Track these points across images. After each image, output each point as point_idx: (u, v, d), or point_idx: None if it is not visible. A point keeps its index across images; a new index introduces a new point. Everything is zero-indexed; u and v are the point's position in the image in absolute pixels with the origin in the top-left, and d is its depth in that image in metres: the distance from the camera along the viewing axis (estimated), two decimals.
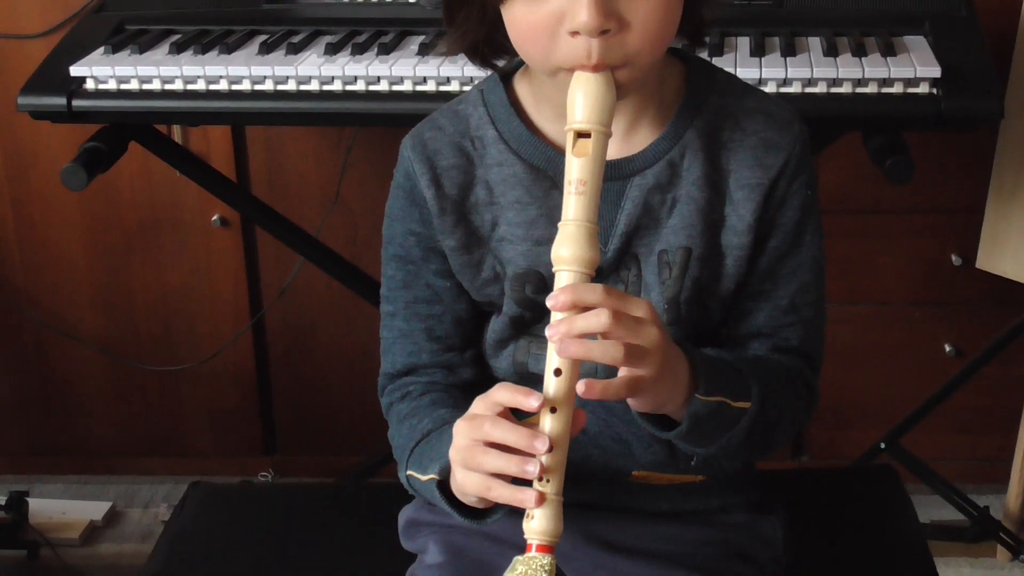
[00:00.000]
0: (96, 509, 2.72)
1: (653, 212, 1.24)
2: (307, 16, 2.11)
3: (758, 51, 1.88)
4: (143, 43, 1.99)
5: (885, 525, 1.61)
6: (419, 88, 1.89)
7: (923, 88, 1.81)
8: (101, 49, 1.99)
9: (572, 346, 1.05)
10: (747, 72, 1.80)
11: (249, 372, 2.74)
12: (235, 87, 1.92)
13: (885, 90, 1.82)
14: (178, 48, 1.97)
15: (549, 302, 1.07)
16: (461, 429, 1.11)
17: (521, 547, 1.09)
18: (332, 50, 1.94)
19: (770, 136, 1.24)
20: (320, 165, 2.56)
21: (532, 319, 1.29)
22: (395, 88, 1.89)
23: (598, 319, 1.05)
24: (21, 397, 2.80)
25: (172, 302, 2.69)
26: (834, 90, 1.83)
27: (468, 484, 1.11)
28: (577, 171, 1.09)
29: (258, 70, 1.91)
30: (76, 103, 1.93)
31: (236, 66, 1.91)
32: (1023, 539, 2.44)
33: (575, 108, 1.11)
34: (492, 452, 1.07)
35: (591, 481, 1.32)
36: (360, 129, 2.48)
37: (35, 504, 2.61)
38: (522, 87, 1.28)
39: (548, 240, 1.11)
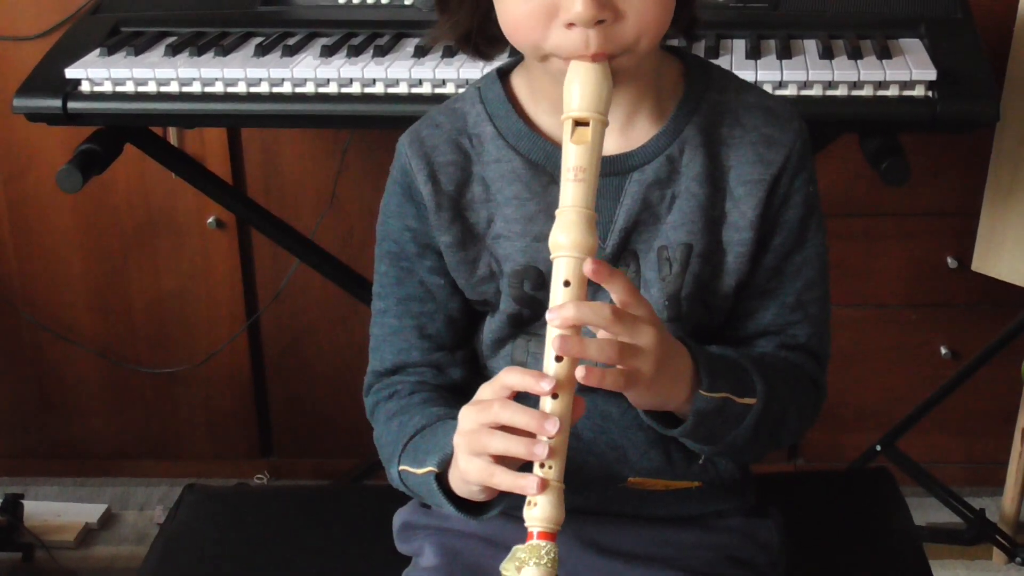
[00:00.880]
0: (91, 511, 2.71)
1: (652, 208, 1.24)
2: (303, 18, 2.11)
3: (754, 53, 1.88)
4: (139, 45, 1.99)
5: (881, 528, 1.61)
6: (415, 90, 1.89)
7: (919, 91, 1.81)
8: (97, 51, 1.98)
9: (570, 343, 1.05)
10: (743, 74, 1.76)
11: (245, 374, 2.74)
12: (231, 89, 1.92)
13: (881, 93, 1.82)
14: (174, 50, 1.97)
15: (553, 302, 1.07)
16: (468, 414, 1.10)
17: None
18: (328, 52, 1.94)
19: (770, 132, 1.24)
20: (316, 167, 2.56)
21: (530, 316, 1.28)
22: (391, 90, 1.89)
23: (600, 314, 1.05)
24: (16, 399, 2.80)
25: (168, 304, 2.69)
26: (830, 93, 1.83)
27: (471, 471, 1.10)
28: (575, 158, 1.09)
29: (254, 72, 1.90)
30: (71, 105, 1.92)
31: (232, 68, 1.91)
32: (1019, 542, 2.44)
33: (572, 96, 1.10)
34: (499, 435, 1.07)
35: (587, 487, 1.31)
36: (356, 131, 2.48)
37: (30, 506, 2.61)
38: (519, 83, 1.28)
39: (547, 236, 1.10)
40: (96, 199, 2.58)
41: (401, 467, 1.26)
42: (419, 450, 1.23)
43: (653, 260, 1.25)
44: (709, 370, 1.16)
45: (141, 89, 1.93)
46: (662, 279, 1.25)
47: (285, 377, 2.76)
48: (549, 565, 1.05)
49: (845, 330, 2.56)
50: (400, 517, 1.43)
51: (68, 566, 2.57)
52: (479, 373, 1.35)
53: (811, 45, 1.91)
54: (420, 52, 1.92)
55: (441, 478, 1.18)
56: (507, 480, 1.07)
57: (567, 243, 1.07)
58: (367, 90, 1.90)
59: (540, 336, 1.21)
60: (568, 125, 1.10)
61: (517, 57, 1.28)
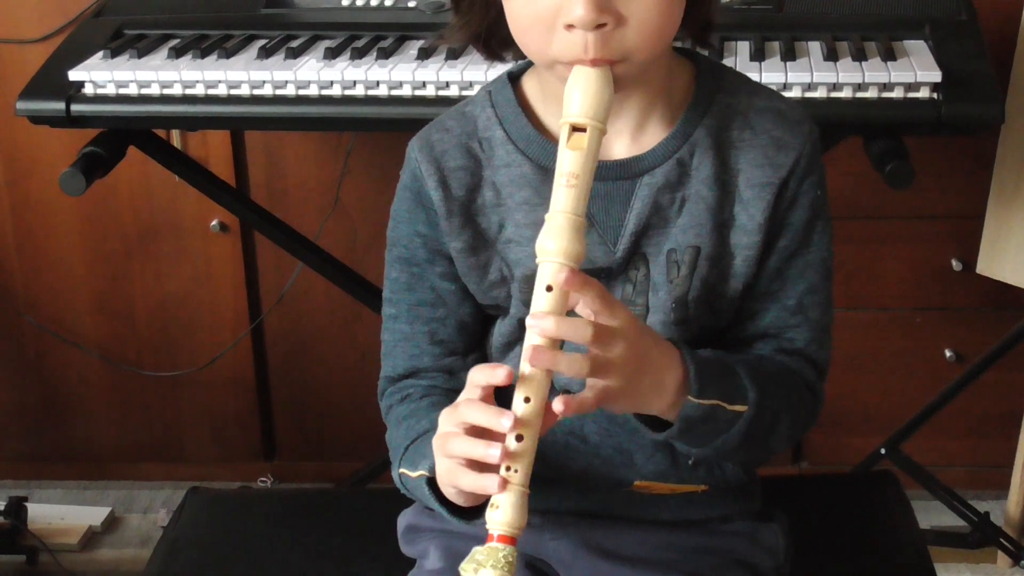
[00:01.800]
0: (95, 515, 2.71)
1: (662, 211, 1.24)
2: (306, 21, 2.11)
3: (758, 55, 1.88)
4: (142, 48, 1.99)
5: (886, 531, 1.61)
6: (418, 93, 1.89)
7: (924, 93, 1.81)
8: (100, 54, 1.98)
9: (542, 355, 1.05)
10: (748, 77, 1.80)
11: (248, 377, 2.74)
12: (234, 92, 1.92)
13: (885, 95, 1.82)
14: (177, 53, 1.97)
15: (536, 304, 1.07)
16: (443, 416, 1.11)
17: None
18: (331, 55, 1.93)
19: (780, 135, 1.24)
20: (319, 170, 2.56)
21: None
22: (394, 93, 1.89)
23: (582, 332, 1.05)
24: (20, 402, 2.80)
25: (171, 307, 2.68)
26: (834, 95, 1.83)
27: (441, 471, 1.11)
28: (569, 164, 1.09)
29: (257, 75, 1.90)
30: (75, 108, 1.92)
31: (235, 71, 1.91)
32: None
33: (571, 102, 1.10)
34: (463, 437, 1.07)
35: (593, 491, 1.31)
36: (359, 134, 2.48)
37: (34, 509, 2.61)
38: (530, 87, 1.28)
39: None
40: (99, 202, 2.58)
41: (401, 470, 1.26)
42: (416, 453, 1.24)
43: (662, 263, 1.24)
44: (701, 376, 1.16)
45: (144, 92, 1.93)
46: (670, 282, 1.24)
47: (289, 380, 2.76)
48: (506, 569, 1.05)
49: (849, 333, 2.56)
50: (404, 519, 1.43)
51: (72, 569, 2.57)
52: None
53: (815, 47, 1.91)
54: (424, 54, 1.92)
55: (434, 483, 1.18)
56: (468, 481, 1.08)
57: (554, 249, 1.07)
58: (370, 92, 1.90)
59: None
60: (565, 130, 1.10)
61: (528, 60, 1.27)
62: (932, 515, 2.53)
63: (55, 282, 2.68)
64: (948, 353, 2.56)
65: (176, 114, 1.95)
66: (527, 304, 1.24)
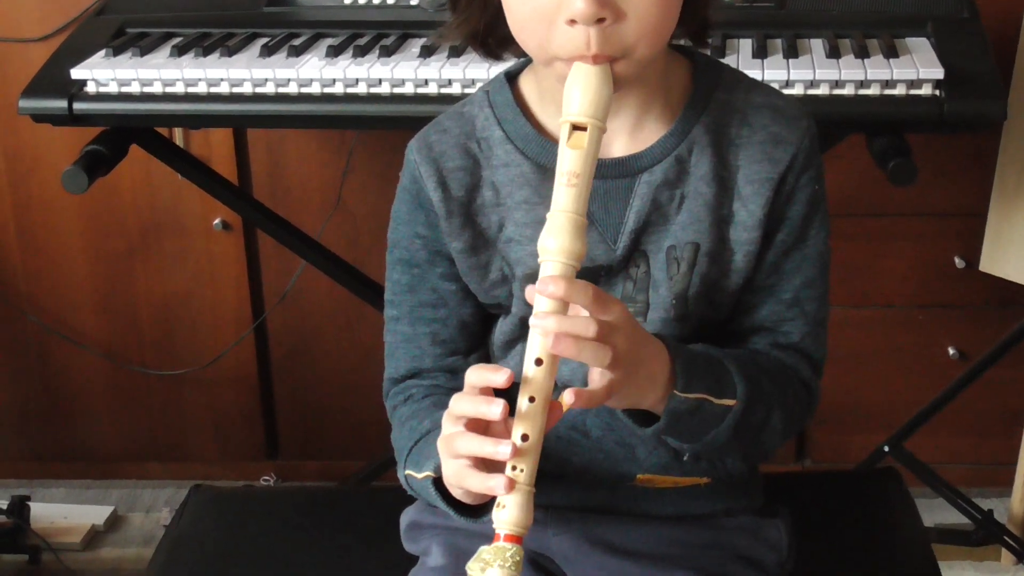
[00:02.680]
0: (98, 513, 2.72)
1: (662, 208, 1.24)
2: (308, 19, 2.11)
3: (760, 53, 1.88)
4: (144, 46, 1.99)
5: (889, 529, 1.61)
6: (420, 91, 1.89)
7: (926, 90, 1.81)
8: (102, 52, 1.99)
9: (564, 344, 1.04)
10: (749, 74, 1.78)
11: (251, 376, 2.74)
12: (236, 90, 1.92)
13: (888, 92, 1.82)
14: (179, 51, 1.97)
15: (538, 288, 1.06)
16: (446, 417, 1.11)
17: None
18: (333, 53, 1.93)
19: (778, 131, 1.24)
20: (322, 168, 2.56)
21: None
22: (396, 91, 1.89)
23: (587, 328, 1.05)
24: (23, 401, 2.80)
25: (174, 306, 2.69)
26: (836, 92, 1.82)
27: (448, 473, 1.11)
28: (569, 163, 1.09)
29: (259, 73, 1.90)
30: (77, 106, 1.93)
31: (237, 69, 1.91)
32: None
33: (571, 100, 1.10)
34: (468, 436, 1.07)
35: (596, 485, 1.32)
36: (361, 132, 2.48)
37: (37, 508, 2.61)
38: (528, 86, 1.28)
39: None
40: (102, 201, 2.58)
41: (406, 471, 1.26)
42: (420, 454, 1.24)
43: (662, 260, 1.25)
44: (686, 370, 1.15)
45: (147, 90, 1.93)
46: (670, 278, 1.24)
47: (291, 379, 2.76)
48: (513, 568, 1.05)
49: (853, 330, 2.56)
50: (407, 516, 1.43)
51: (75, 568, 2.57)
52: None
53: (818, 44, 1.91)
54: (426, 52, 1.92)
55: (440, 483, 1.18)
56: (475, 481, 1.07)
57: (555, 248, 1.07)
58: (373, 90, 1.90)
59: None
60: (565, 129, 1.10)
61: (525, 60, 1.27)
62: (936, 513, 2.53)
63: (58, 281, 2.68)
64: (951, 351, 2.56)
65: (178, 112, 1.95)
66: (528, 303, 1.25)
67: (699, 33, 1.26)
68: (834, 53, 1.85)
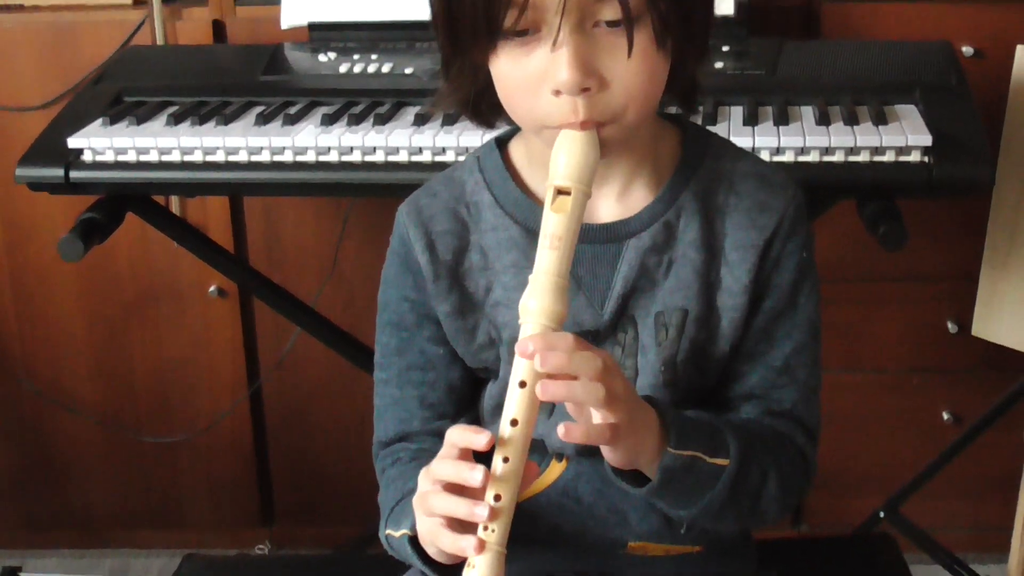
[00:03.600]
0: None
1: (649, 274, 1.25)
2: (304, 88, 2.13)
3: (751, 120, 1.89)
4: (140, 114, 2.01)
5: None
6: (415, 158, 1.90)
7: (915, 156, 1.82)
8: (99, 120, 2.00)
9: (554, 387, 1.04)
10: (741, 141, 1.81)
11: (247, 443, 2.73)
12: (232, 158, 1.93)
13: (877, 158, 1.83)
14: (175, 119, 1.98)
15: (518, 348, 1.06)
16: (422, 475, 1.11)
17: None
18: (328, 121, 1.95)
19: (764, 198, 1.25)
20: (317, 235, 2.57)
21: None
22: (391, 158, 1.90)
23: (592, 363, 1.05)
24: (17, 469, 2.79)
25: (170, 373, 2.68)
26: (827, 158, 1.84)
27: (422, 530, 1.11)
28: (553, 226, 1.10)
29: (255, 141, 1.92)
30: (74, 174, 1.93)
31: (233, 137, 1.92)
32: None
33: (557, 165, 1.11)
34: (443, 495, 1.07)
35: (587, 552, 1.31)
36: (357, 199, 2.49)
37: None
38: (518, 151, 1.29)
39: None
40: (98, 267, 2.58)
41: (387, 531, 1.26)
42: (400, 514, 1.24)
43: (651, 325, 1.25)
44: (677, 426, 1.15)
45: (143, 158, 1.94)
46: (658, 344, 1.25)
47: (287, 445, 2.75)
48: None
49: (846, 395, 2.56)
50: None
51: None
52: None
53: (808, 111, 1.93)
54: (420, 120, 1.94)
55: (416, 542, 1.18)
56: (449, 540, 1.07)
57: (536, 309, 1.08)
58: (368, 158, 1.91)
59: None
60: (550, 193, 1.11)
61: (516, 126, 1.29)
62: None
63: (53, 347, 2.68)
64: (945, 415, 2.56)
65: (175, 180, 1.96)
66: None
67: (688, 97, 1.27)
68: (824, 120, 1.87)
